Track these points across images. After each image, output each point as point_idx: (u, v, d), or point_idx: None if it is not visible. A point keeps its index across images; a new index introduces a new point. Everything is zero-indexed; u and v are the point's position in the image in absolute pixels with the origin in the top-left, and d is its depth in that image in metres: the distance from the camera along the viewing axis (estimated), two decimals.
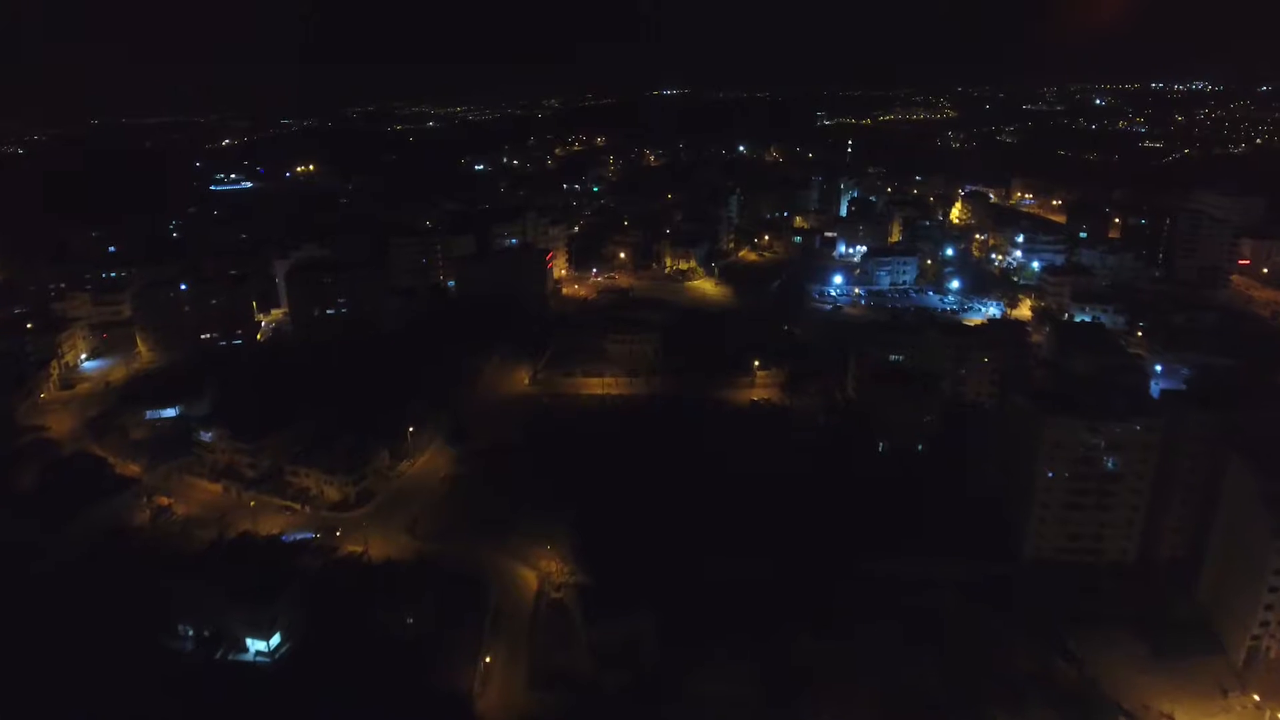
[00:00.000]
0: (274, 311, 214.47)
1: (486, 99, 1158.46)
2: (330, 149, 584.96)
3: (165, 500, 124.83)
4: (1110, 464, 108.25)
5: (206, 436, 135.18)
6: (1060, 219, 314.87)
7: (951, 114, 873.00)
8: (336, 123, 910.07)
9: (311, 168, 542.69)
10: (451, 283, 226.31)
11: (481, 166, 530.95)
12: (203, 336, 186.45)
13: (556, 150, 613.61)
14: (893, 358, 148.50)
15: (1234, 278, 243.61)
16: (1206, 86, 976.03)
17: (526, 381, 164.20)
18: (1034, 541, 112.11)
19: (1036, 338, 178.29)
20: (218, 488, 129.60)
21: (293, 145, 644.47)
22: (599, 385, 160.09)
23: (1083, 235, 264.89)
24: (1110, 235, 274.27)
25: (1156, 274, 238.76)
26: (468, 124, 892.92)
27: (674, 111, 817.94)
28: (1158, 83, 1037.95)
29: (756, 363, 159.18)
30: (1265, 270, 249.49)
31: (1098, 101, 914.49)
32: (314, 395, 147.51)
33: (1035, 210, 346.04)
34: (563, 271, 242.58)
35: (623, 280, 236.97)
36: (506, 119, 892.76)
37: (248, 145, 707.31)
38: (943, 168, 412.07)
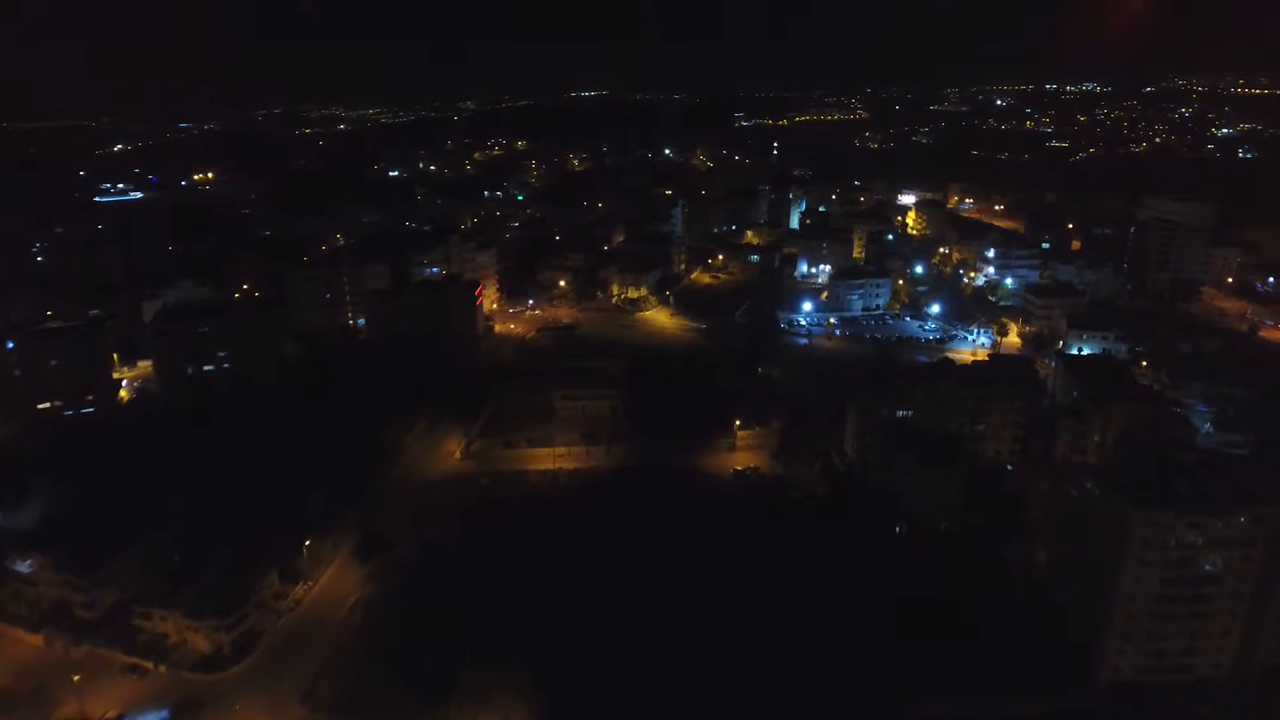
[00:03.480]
0: (141, 364, 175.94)
1: (400, 100, 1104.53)
2: (233, 155, 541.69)
3: None
4: (1210, 565, 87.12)
5: (23, 566, 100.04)
6: (1005, 224, 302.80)
7: (864, 115, 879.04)
8: (241, 126, 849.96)
9: (210, 175, 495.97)
10: (363, 320, 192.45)
11: (396, 172, 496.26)
12: (41, 406, 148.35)
13: (475, 154, 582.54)
14: (900, 413, 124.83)
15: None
16: (1096, 88, 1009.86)
17: (458, 455, 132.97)
18: (1112, 660, 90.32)
19: (1040, 369, 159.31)
20: (38, 639, 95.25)
21: (192, 150, 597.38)
22: (548, 457, 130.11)
23: (1045, 246, 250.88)
24: (1073, 245, 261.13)
25: (1129, 288, 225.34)
26: (381, 127, 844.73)
27: (596, 113, 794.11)
28: (1051, 84, 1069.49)
29: (738, 423, 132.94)
30: (1230, 279, 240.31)
31: (999, 103, 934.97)
32: (181, 488, 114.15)
33: (977, 215, 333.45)
34: (493, 304, 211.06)
35: (565, 313, 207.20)
36: (421, 121, 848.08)
37: (142, 150, 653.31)
38: (866, 169, 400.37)
